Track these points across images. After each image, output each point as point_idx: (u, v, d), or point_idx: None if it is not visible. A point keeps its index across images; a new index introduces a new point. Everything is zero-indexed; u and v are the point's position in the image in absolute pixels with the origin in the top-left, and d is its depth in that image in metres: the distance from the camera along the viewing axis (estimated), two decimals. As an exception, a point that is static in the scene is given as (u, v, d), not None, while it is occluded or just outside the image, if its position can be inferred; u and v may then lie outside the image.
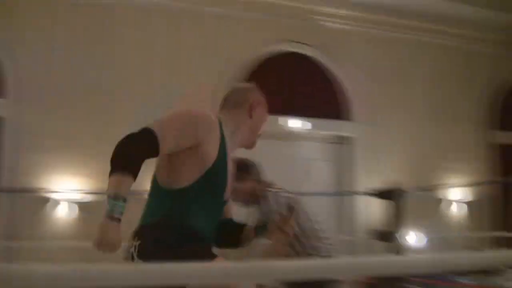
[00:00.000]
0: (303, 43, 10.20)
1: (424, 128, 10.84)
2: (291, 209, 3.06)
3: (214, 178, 2.70)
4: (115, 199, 2.35)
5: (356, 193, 9.73)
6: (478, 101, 11.56)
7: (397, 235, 6.11)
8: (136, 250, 2.57)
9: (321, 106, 10.20)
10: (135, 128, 2.60)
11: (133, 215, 2.75)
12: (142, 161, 2.46)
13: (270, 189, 4.58)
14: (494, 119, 11.65)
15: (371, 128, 10.34)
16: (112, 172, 2.41)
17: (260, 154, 9.49)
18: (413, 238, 9.59)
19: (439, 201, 10.87)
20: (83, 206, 8.47)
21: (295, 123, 9.92)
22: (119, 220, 2.37)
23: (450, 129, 11.06)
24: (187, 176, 2.66)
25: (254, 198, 4.57)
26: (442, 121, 11.04)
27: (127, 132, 2.57)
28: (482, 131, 11.51)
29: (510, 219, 11.10)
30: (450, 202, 11.00)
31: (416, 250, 9.58)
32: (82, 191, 8.24)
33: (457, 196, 11.01)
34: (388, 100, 10.65)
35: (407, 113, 10.79)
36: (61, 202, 8.45)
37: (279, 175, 9.29)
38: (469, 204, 11.07)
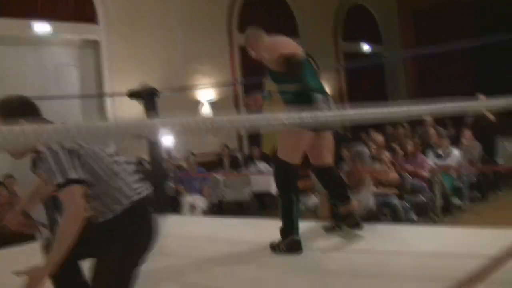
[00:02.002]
0: None
1: (176, 31, 11.05)
2: None
3: None
4: None
5: (109, 95, 9.74)
6: (223, 7, 12.18)
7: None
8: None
9: (66, 8, 9.79)
10: None
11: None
12: None
13: None
14: (233, 22, 12.37)
15: (120, 31, 10.26)
16: None
17: (4, 62, 9.07)
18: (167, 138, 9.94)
19: (190, 101, 11.34)
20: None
21: (39, 27, 9.41)
22: None
23: (199, 33, 11.48)
24: None
25: None
26: (192, 25, 11.38)
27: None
28: (225, 34, 12.21)
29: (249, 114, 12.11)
30: (199, 103, 11.55)
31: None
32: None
33: (205, 96, 11.60)
34: (139, 2, 10.61)
35: (158, 15, 10.88)
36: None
37: (26, 83, 9.00)
38: (214, 103, 11.75)
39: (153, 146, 6.24)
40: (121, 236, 2.48)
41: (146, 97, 6.37)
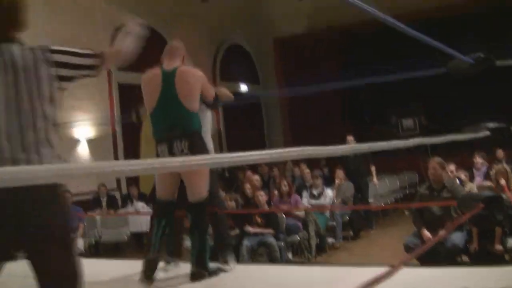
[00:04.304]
0: None
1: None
2: None
3: None
4: None
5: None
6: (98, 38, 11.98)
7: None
8: (187, 147, 3.96)
9: None
10: None
11: None
12: None
13: None
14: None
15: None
16: None
17: None
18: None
19: (66, 138, 10.97)
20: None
21: None
22: None
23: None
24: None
25: None
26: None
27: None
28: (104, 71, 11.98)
29: (128, 152, 11.97)
30: (77, 140, 11.26)
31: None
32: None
33: (83, 134, 11.31)
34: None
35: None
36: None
37: None
38: (91, 141, 11.47)
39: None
40: None
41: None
